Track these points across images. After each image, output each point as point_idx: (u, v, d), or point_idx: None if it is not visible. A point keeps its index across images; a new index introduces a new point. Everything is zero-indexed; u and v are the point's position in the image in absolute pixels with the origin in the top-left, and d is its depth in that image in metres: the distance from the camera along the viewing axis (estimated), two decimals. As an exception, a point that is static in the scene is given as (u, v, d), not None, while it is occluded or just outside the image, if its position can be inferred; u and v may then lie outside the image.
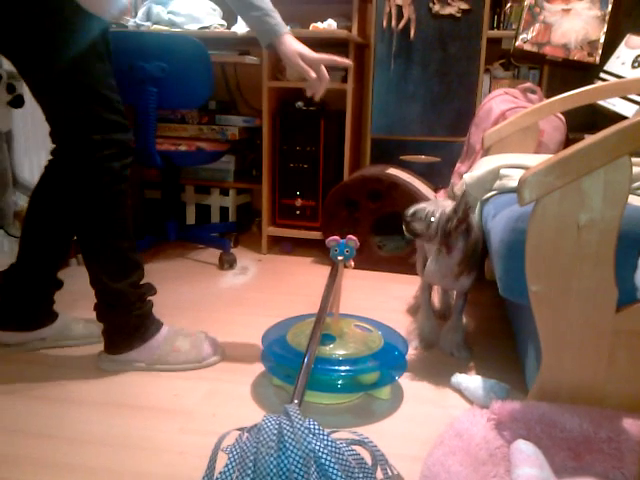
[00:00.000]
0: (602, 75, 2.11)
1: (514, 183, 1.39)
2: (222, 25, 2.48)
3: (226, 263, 2.26)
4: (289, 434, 0.87)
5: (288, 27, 1.42)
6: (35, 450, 1.10)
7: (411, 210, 1.43)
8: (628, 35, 2.11)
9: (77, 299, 1.70)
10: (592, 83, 1.96)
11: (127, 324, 1.38)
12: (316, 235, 2.43)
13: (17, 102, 1.80)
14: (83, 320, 1.57)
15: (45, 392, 1.31)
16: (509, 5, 2.33)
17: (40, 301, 1.48)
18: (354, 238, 1.39)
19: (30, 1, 1.16)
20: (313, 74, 1.38)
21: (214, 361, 1.47)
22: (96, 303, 1.39)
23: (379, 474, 0.90)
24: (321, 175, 2.43)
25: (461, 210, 1.34)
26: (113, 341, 1.40)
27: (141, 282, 1.40)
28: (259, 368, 1.40)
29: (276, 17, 1.39)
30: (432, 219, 1.38)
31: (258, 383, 1.38)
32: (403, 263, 2.23)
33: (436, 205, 1.40)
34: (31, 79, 1.27)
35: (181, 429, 1.18)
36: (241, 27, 2.31)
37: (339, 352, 1.29)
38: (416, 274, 2.22)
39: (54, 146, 1.36)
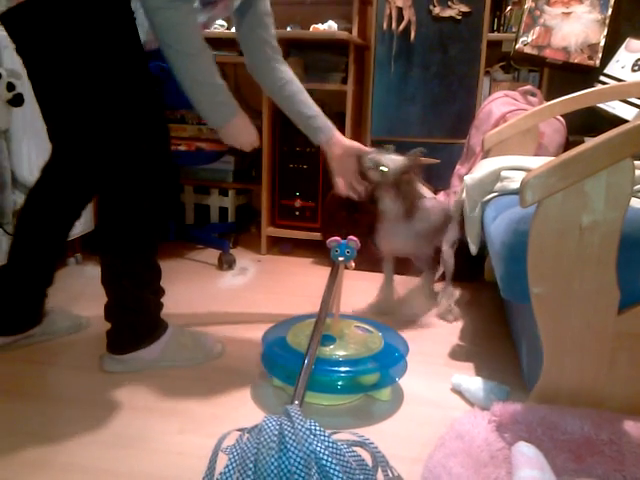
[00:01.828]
0: (602, 78, 2.12)
1: (515, 185, 1.39)
2: (222, 25, 2.48)
3: (225, 263, 2.26)
4: (290, 435, 0.86)
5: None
6: (30, 450, 1.09)
7: (368, 163, 1.61)
8: (628, 39, 2.11)
9: (77, 298, 1.70)
10: (592, 86, 1.96)
11: (141, 326, 1.38)
12: (315, 236, 2.43)
13: (17, 101, 1.79)
14: (62, 311, 1.59)
15: (42, 391, 1.31)
16: (509, 8, 2.34)
17: (34, 305, 1.47)
18: (355, 239, 1.38)
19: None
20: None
21: (217, 354, 1.49)
22: (107, 304, 1.37)
23: (380, 476, 0.90)
24: (321, 176, 2.43)
25: (412, 163, 1.63)
26: (120, 341, 1.39)
27: (160, 285, 1.41)
28: (259, 369, 1.39)
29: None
30: (384, 168, 1.60)
31: (258, 384, 1.37)
32: (402, 264, 2.22)
33: (390, 158, 1.63)
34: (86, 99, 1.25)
35: (180, 430, 1.18)
36: (242, 28, 2.31)
37: (339, 353, 1.29)
38: (416, 276, 2.22)
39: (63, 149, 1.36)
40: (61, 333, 1.55)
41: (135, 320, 1.37)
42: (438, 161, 1.79)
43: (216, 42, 2.40)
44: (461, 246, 2.03)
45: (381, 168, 1.60)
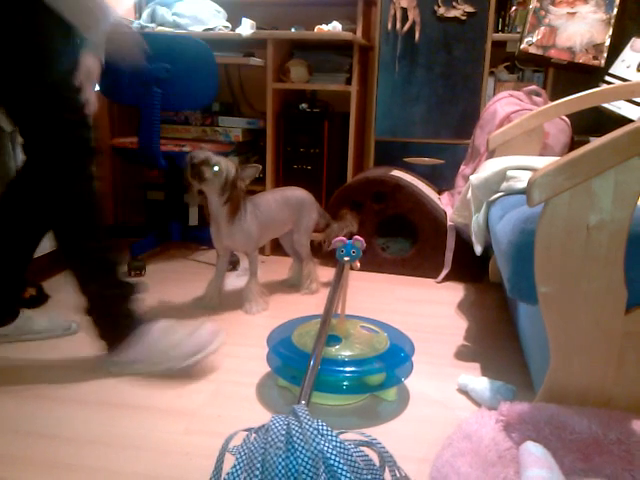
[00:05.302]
0: (607, 78, 2.11)
1: (522, 184, 1.39)
2: (226, 27, 2.48)
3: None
4: (298, 435, 0.86)
5: None
6: (36, 450, 1.09)
7: (201, 156, 1.66)
8: (633, 38, 2.11)
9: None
10: (597, 86, 1.96)
11: (120, 325, 1.37)
12: (319, 237, 2.42)
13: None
14: (48, 314, 1.59)
15: (47, 392, 1.31)
16: (514, 8, 2.34)
17: (5, 300, 1.47)
18: (360, 239, 1.38)
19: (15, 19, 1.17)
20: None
21: (215, 347, 1.42)
22: (87, 309, 1.37)
23: (387, 476, 0.90)
24: (325, 177, 2.43)
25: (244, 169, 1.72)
26: (111, 343, 1.39)
27: (124, 280, 1.39)
28: (264, 369, 1.39)
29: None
30: (217, 168, 1.67)
31: (263, 384, 1.37)
32: (407, 265, 2.23)
33: (222, 158, 1.69)
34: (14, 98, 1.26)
35: (186, 430, 1.17)
36: (246, 29, 2.31)
37: (345, 353, 1.28)
38: (421, 276, 2.23)
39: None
40: (41, 334, 1.54)
41: (113, 320, 1.37)
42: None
43: (220, 43, 2.42)
44: (466, 247, 2.03)
45: (214, 168, 1.68)
